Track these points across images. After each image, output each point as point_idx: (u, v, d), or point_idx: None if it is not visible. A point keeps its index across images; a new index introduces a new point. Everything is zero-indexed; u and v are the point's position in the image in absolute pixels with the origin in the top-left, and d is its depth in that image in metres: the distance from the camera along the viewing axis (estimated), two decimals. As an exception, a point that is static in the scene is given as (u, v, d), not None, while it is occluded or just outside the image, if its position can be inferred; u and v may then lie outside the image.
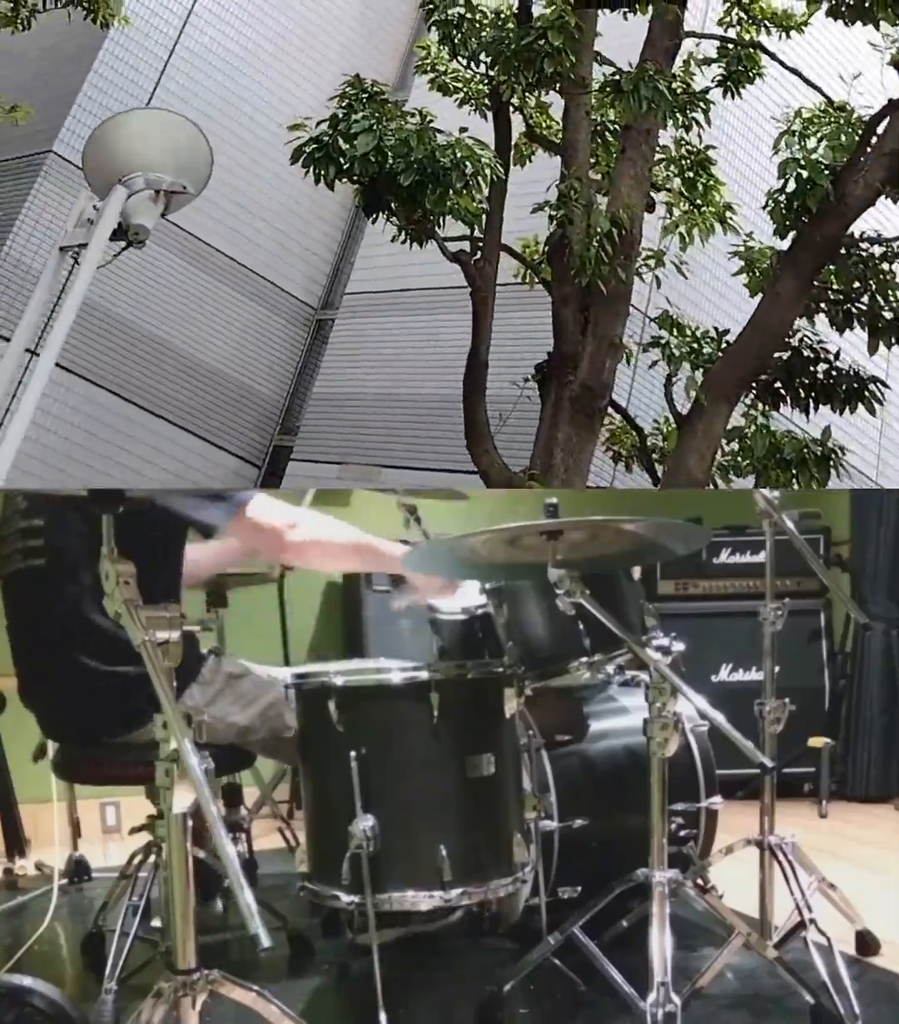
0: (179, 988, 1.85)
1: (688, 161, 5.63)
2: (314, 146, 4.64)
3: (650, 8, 4.90)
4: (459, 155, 4.51)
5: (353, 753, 2.53)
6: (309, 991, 2.94)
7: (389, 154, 4.52)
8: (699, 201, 5.63)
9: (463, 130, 4.70)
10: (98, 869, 4.17)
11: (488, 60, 5.08)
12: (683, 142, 5.59)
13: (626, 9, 4.94)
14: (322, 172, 4.64)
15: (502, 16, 5.17)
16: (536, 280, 5.54)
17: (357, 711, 2.61)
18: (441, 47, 5.42)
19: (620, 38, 5.30)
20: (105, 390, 8.57)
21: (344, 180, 4.72)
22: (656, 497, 6.63)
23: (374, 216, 4.89)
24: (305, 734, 2.75)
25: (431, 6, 5.23)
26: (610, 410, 5.28)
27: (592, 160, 5.29)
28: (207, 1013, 1.90)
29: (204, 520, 2.80)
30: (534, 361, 5.20)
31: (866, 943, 3.00)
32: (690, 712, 3.10)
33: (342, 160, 4.59)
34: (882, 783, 5.35)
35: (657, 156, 5.42)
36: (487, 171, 4.65)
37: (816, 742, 4.93)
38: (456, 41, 5.19)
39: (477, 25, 5.17)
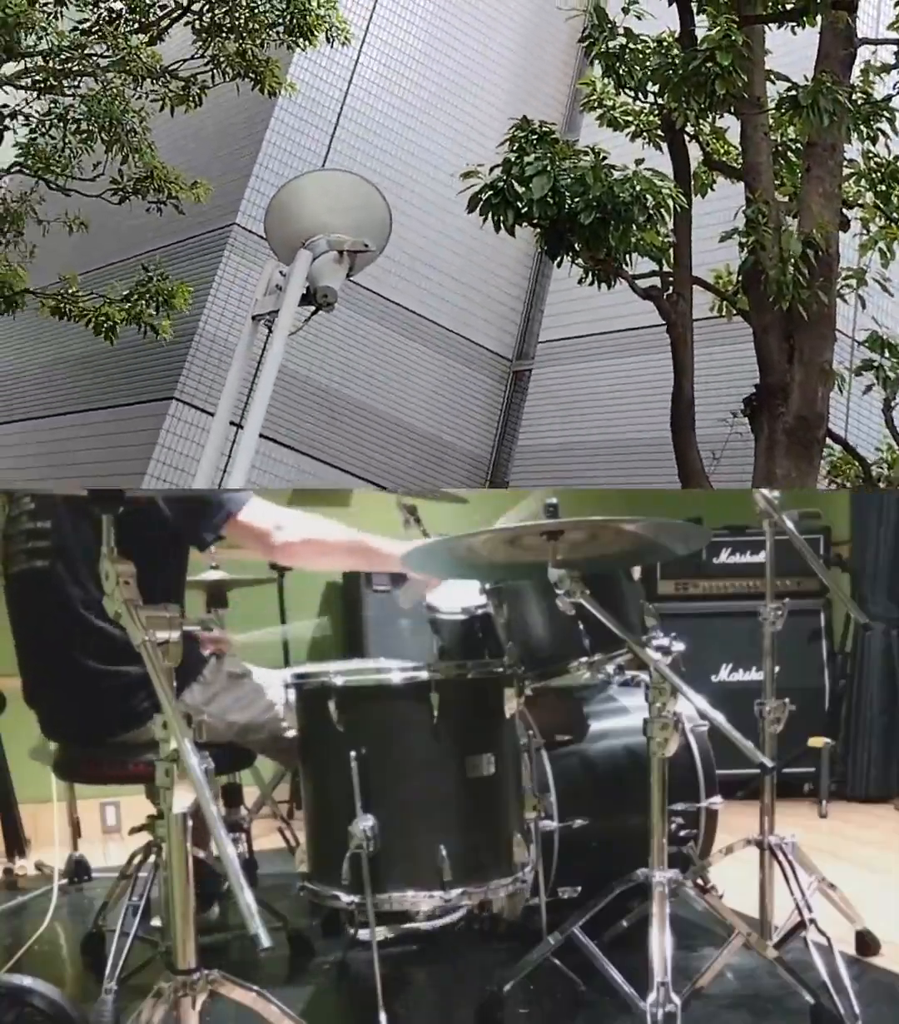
0: (179, 988, 1.85)
1: (879, 174, 5.40)
2: (490, 192, 4.50)
3: (819, 19, 4.73)
4: (638, 188, 4.37)
5: (353, 753, 2.53)
6: (309, 991, 2.94)
7: (566, 194, 4.40)
8: (896, 214, 5.40)
9: (639, 162, 4.57)
10: (98, 869, 4.17)
11: (655, 89, 4.93)
12: (871, 155, 5.37)
13: (794, 23, 4.78)
14: (501, 218, 4.50)
15: (664, 42, 5.02)
16: (733, 312, 5.38)
17: (357, 711, 2.61)
18: (606, 81, 5.30)
19: (789, 54, 5.16)
20: (311, 458, 8.59)
21: (524, 224, 4.60)
22: (656, 497, 6.63)
23: (558, 259, 4.75)
24: (305, 734, 2.75)
25: (591, 40, 5.09)
26: (828, 440, 5.03)
27: (776, 182, 5.07)
28: (207, 1013, 1.90)
29: (197, 533, 2.81)
30: (740, 395, 4.95)
31: (866, 943, 3.00)
32: (690, 712, 3.10)
33: (519, 204, 4.47)
34: (882, 783, 5.34)
35: (846, 171, 5.20)
36: (669, 202, 4.49)
37: (816, 742, 4.93)
38: (621, 73, 5.05)
39: (640, 54, 5.02)
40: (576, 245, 4.63)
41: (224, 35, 6.45)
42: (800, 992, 2.48)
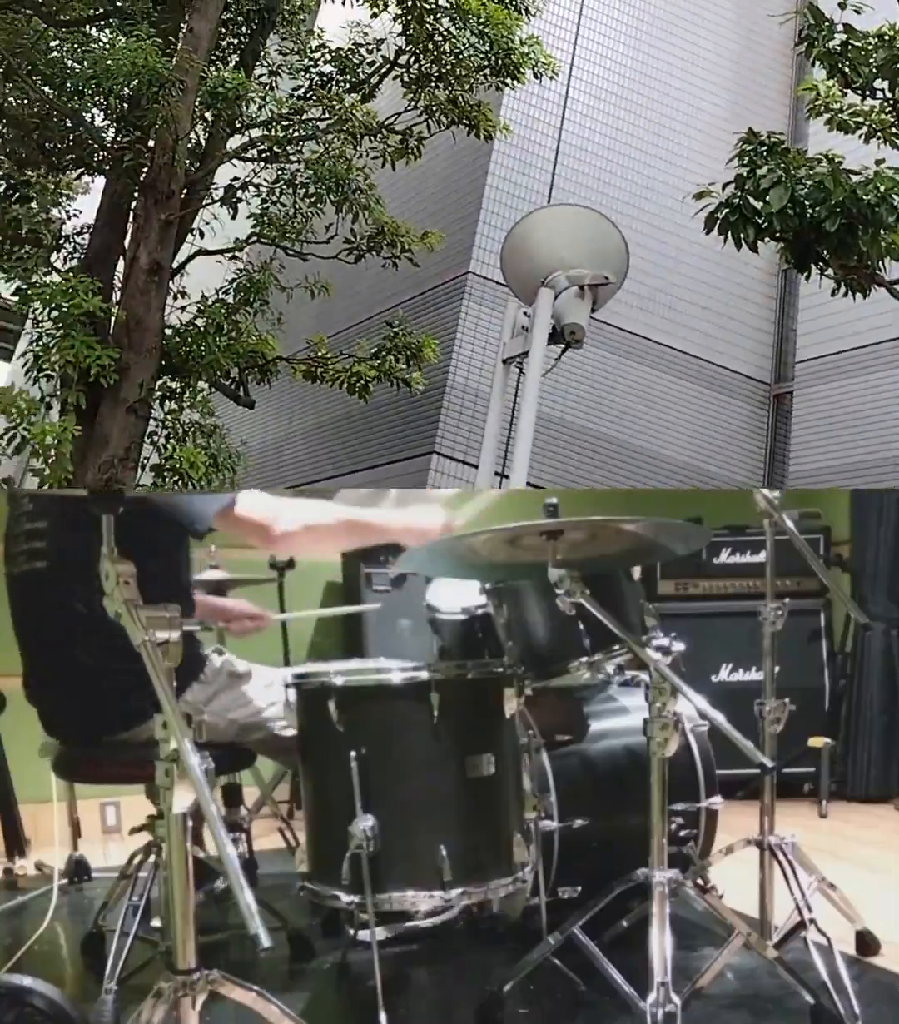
0: (179, 988, 1.85)
1: None
2: (726, 210, 4.40)
3: None
4: (882, 189, 4.25)
5: (353, 753, 2.53)
6: (309, 991, 2.94)
7: (806, 203, 4.30)
8: None
9: (879, 163, 4.44)
10: (98, 869, 4.17)
11: (885, 85, 4.77)
12: None
13: None
14: (741, 235, 4.40)
15: (885, 36, 4.83)
16: None
17: (357, 711, 2.62)
18: (830, 83, 5.13)
19: None
20: None
21: (765, 240, 4.50)
22: (656, 497, 6.64)
23: (807, 272, 4.64)
24: (305, 734, 2.75)
25: (810, 41, 4.92)
26: None
27: None
28: (207, 1013, 1.90)
29: (193, 524, 2.81)
30: None
31: (866, 943, 3.00)
32: (690, 712, 3.10)
33: (758, 219, 4.37)
34: (882, 783, 5.34)
35: None
36: None
37: (816, 742, 4.93)
38: (846, 72, 4.88)
39: (863, 51, 4.84)
40: (824, 255, 4.50)
41: (433, 84, 6.52)
42: (800, 992, 2.48)
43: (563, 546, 2.46)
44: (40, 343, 5.38)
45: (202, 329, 5.97)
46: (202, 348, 5.84)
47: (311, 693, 2.71)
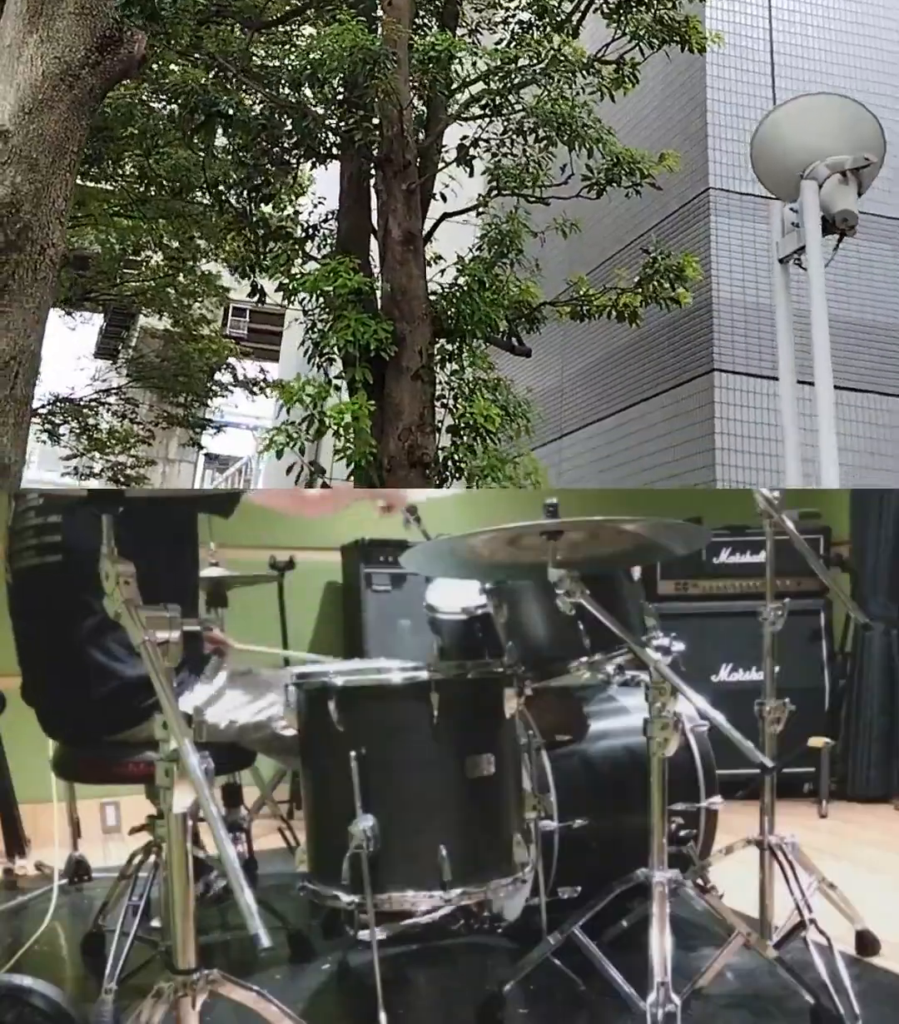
0: (179, 988, 1.85)
1: None
2: None
3: None
4: None
5: (353, 753, 2.53)
6: (309, 991, 2.94)
7: None
8: None
9: None
10: (98, 869, 4.17)
11: None
12: None
13: None
14: None
15: None
16: None
17: (357, 711, 2.61)
18: None
19: None
20: (880, 395, 8.07)
21: None
22: (656, 497, 6.64)
23: None
24: (305, 734, 2.75)
25: None
26: None
27: None
28: (207, 1013, 1.90)
29: (219, 505, 2.86)
30: None
31: (866, 943, 2.99)
32: (690, 712, 3.10)
33: None
34: (882, 783, 5.34)
35: None
36: None
37: (816, 742, 4.93)
38: None
39: None
40: None
41: (633, 9, 6.43)
42: (800, 992, 2.48)
43: (563, 546, 2.46)
44: (316, 330, 5.61)
45: (465, 288, 6.00)
46: (469, 307, 5.87)
47: (311, 693, 2.71)
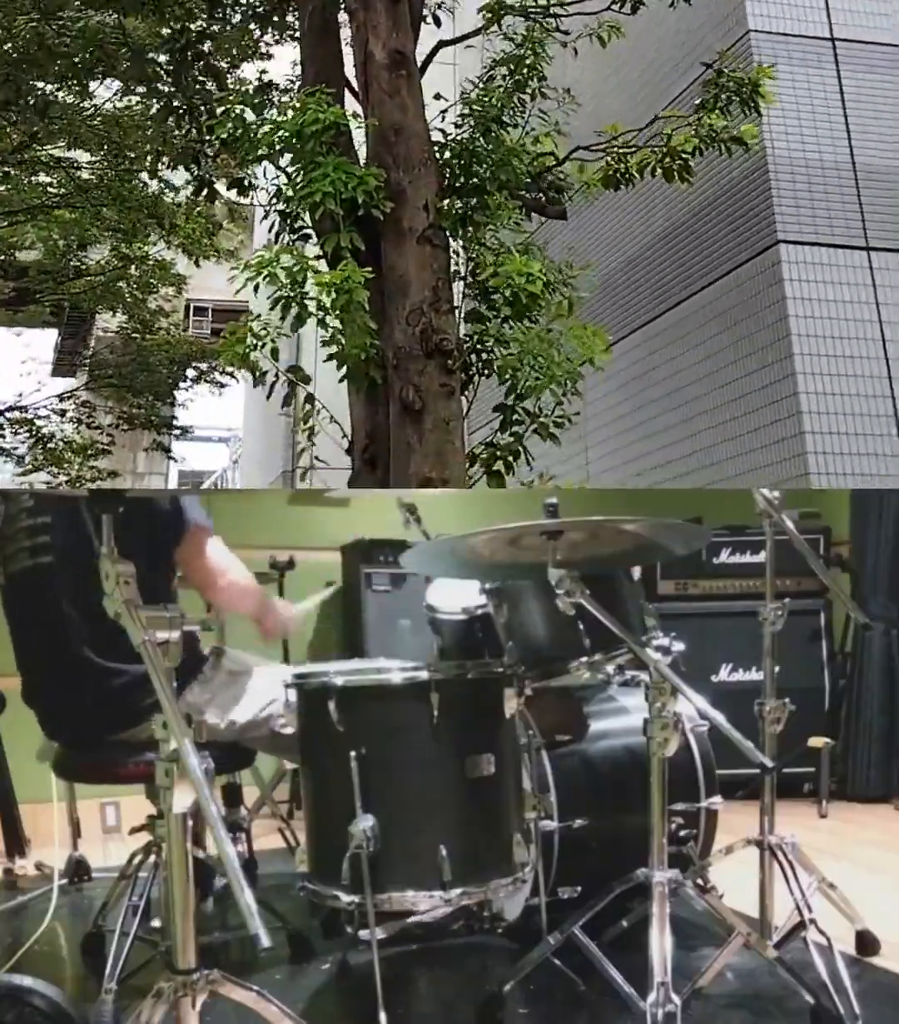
0: (179, 988, 1.85)
1: None
2: None
3: None
4: None
5: (353, 753, 2.53)
6: (309, 991, 2.94)
7: None
8: None
9: None
10: (98, 869, 4.17)
11: None
12: None
13: None
14: None
15: None
16: None
17: (357, 711, 2.62)
18: None
19: None
20: None
21: None
22: (656, 497, 6.63)
23: None
24: (305, 734, 2.75)
25: None
26: None
27: None
28: (207, 1013, 1.90)
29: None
30: None
31: (866, 943, 2.99)
32: (690, 712, 3.10)
33: None
34: (882, 783, 5.34)
35: None
36: None
37: (816, 742, 4.93)
38: None
39: None
40: None
41: None
42: (800, 992, 2.48)
43: (563, 546, 2.46)
44: (282, 197, 4.24)
45: (476, 126, 4.53)
46: (485, 150, 4.45)
47: (311, 693, 2.71)
